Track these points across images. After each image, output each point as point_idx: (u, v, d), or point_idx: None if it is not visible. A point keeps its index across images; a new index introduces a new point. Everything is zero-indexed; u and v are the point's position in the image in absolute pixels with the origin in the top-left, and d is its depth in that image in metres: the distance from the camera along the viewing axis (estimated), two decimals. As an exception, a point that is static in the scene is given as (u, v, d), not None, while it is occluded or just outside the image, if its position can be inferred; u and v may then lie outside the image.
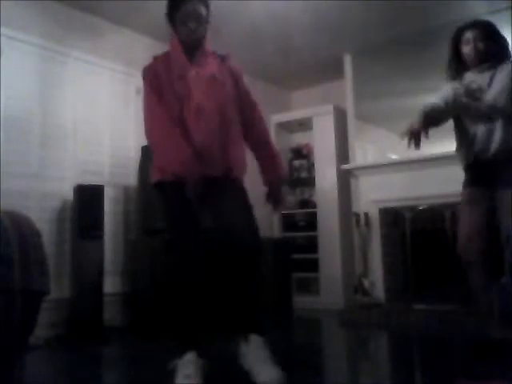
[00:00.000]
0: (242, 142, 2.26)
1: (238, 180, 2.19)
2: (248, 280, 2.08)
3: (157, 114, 2.12)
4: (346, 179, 4.71)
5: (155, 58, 2.23)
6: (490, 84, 2.46)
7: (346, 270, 4.69)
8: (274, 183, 2.30)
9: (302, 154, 5.35)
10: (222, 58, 2.28)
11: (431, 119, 2.47)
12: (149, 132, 2.15)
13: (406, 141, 2.39)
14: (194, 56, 2.19)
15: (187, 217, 2.11)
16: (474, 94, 2.46)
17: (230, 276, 2.14)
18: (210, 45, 2.27)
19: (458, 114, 2.56)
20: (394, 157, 4.88)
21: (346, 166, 4.58)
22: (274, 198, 2.31)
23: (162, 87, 2.13)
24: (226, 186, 2.13)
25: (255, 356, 1.97)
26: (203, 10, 2.19)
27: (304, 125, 5.22)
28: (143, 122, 2.17)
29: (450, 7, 3.82)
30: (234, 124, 2.21)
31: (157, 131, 2.12)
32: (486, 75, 2.50)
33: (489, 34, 2.54)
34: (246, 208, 2.14)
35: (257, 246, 2.11)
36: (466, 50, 2.62)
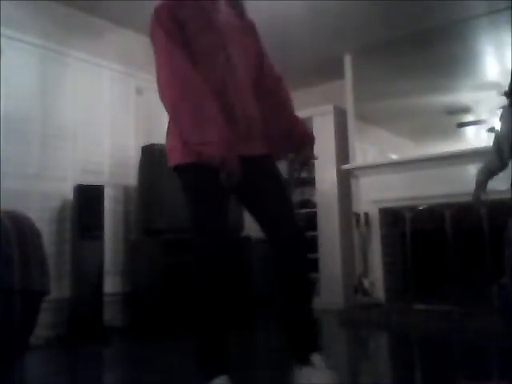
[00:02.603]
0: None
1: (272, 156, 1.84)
2: (303, 285, 1.79)
3: (178, 69, 1.64)
4: (346, 179, 4.71)
5: None
6: None
7: (346, 270, 4.69)
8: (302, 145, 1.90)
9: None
10: (237, 5, 1.86)
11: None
12: (168, 93, 1.72)
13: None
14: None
15: (218, 212, 1.77)
16: None
17: (283, 284, 1.80)
18: None
19: None
20: (393, 157, 4.88)
21: (345, 166, 4.58)
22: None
23: (182, 32, 1.66)
24: (265, 167, 1.79)
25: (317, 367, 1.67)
26: None
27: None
28: (157, 81, 1.76)
29: (450, 7, 3.82)
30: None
31: (181, 95, 1.67)
32: None
33: None
34: (287, 194, 1.83)
35: (303, 239, 1.82)
36: None
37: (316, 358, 1.69)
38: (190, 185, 1.79)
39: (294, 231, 1.76)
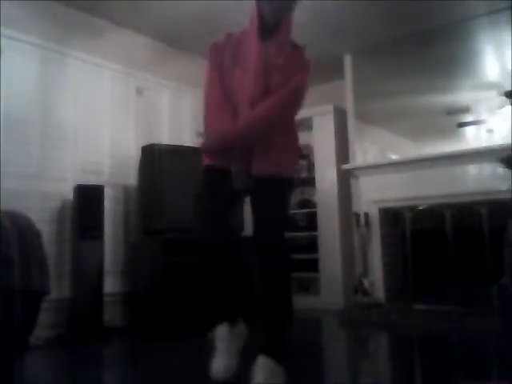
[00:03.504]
0: (291, 134, 2.11)
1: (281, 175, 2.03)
2: (269, 282, 2.02)
3: (212, 92, 2.05)
4: (346, 179, 4.71)
5: (228, 35, 2.13)
6: None
7: (345, 270, 4.69)
8: None
9: (302, 154, 5.35)
10: (295, 46, 2.15)
11: None
12: (204, 112, 2.06)
13: None
14: (268, 37, 2.04)
15: (220, 211, 2.00)
16: None
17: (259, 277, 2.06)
18: (288, 32, 2.14)
19: None
20: (393, 157, 4.88)
21: (345, 166, 4.58)
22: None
23: (223, 67, 2.05)
24: (267, 183, 1.99)
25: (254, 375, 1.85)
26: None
27: (304, 125, 5.21)
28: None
29: (450, 7, 3.81)
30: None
31: (210, 112, 2.04)
32: None
33: None
34: (278, 204, 2.02)
35: (276, 244, 2.01)
36: None
37: (260, 360, 1.87)
38: (203, 184, 2.06)
39: (264, 241, 2.00)
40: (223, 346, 1.97)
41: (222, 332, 2.01)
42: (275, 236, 2.01)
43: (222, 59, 2.07)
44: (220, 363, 1.92)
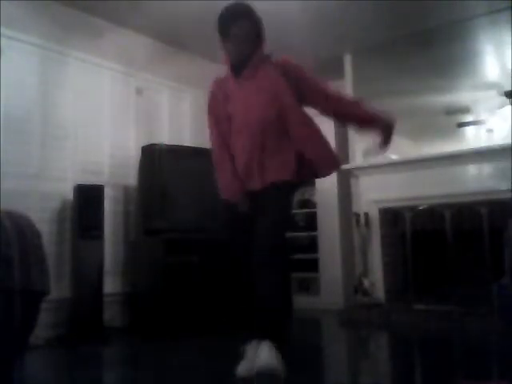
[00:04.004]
0: (285, 147, 2.24)
1: (279, 183, 2.21)
2: (263, 278, 2.13)
3: (213, 137, 2.33)
4: (346, 179, 4.71)
5: (215, 80, 2.36)
6: None
7: (346, 270, 4.69)
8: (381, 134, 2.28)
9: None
10: (264, 60, 2.27)
11: None
12: (212, 153, 2.36)
13: None
14: (243, 71, 2.25)
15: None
16: None
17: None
18: (261, 54, 2.27)
19: None
20: (393, 157, 4.88)
21: (346, 166, 4.58)
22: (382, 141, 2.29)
23: (218, 110, 2.29)
24: (265, 194, 2.21)
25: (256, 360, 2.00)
26: (251, 29, 2.21)
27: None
28: None
29: (450, 7, 3.81)
30: (278, 131, 2.22)
31: (214, 155, 2.34)
32: None
33: None
34: (276, 209, 2.18)
35: (270, 246, 2.12)
36: None
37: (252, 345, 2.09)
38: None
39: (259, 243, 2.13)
40: (251, 354, 2.08)
41: (253, 346, 2.10)
42: (276, 236, 2.17)
43: (217, 104, 2.31)
44: (245, 366, 2.07)
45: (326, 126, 5.18)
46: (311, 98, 2.28)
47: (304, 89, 2.25)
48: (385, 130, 2.26)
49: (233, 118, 2.25)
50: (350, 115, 2.37)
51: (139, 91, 4.19)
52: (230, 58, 2.26)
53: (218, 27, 2.28)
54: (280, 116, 2.20)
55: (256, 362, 1.99)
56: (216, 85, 2.34)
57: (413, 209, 4.17)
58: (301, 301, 4.54)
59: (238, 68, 2.25)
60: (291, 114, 2.23)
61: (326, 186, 4.90)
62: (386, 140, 2.28)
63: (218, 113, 2.30)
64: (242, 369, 2.09)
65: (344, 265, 4.71)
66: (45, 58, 3.59)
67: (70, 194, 3.52)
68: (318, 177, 2.62)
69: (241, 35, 2.18)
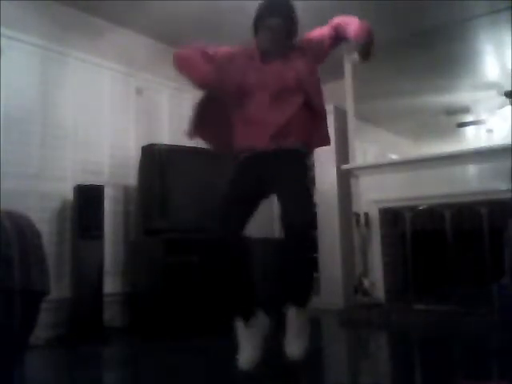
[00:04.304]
0: (302, 117, 2.34)
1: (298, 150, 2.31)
2: (297, 252, 2.16)
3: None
4: (346, 179, 4.71)
5: (245, 48, 2.47)
6: None
7: (346, 270, 4.69)
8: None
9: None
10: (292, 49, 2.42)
11: None
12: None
13: None
14: (272, 60, 2.37)
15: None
16: None
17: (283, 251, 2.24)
18: (290, 46, 2.43)
19: None
20: (393, 157, 4.88)
21: (345, 166, 4.58)
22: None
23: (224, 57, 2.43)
24: (281, 158, 2.24)
25: (288, 327, 2.17)
26: (284, 26, 2.38)
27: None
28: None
29: (450, 7, 3.81)
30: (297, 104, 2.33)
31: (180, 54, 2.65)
32: None
33: None
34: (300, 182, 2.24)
35: (304, 223, 2.14)
36: None
37: (292, 310, 2.17)
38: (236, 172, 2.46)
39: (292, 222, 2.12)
40: (244, 341, 2.18)
41: (240, 329, 2.21)
42: (309, 210, 2.29)
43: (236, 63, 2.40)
44: (244, 356, 2.14)
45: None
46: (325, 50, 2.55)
47: (320, 53, 2.54)
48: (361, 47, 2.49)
49: (250, 88, 2.31)
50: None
51: (139, 91, 4.19)
52: (259, 46, 2.38)
53: (254, 16, 2.39)
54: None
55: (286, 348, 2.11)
56: (243, 49, 2.47)
57: (413, 209, 4.17)
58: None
59: (266, 55, 2.37)
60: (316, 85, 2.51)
61: (326, 186, 4.90)
62: (365, 53, 2.51)
63: (234, 66, 2.38)
64: (243, 360, 2.13)
65: (344, 265, 4.71)
66: (45, 58, 3.59)
67: (70, 194, 3.52)
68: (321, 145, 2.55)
69: (274, 29, 2.32)
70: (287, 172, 2.22)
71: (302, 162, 2.33)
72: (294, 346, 2.12)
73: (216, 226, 2.30)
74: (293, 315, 2.16)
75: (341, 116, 4.93)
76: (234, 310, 2.27)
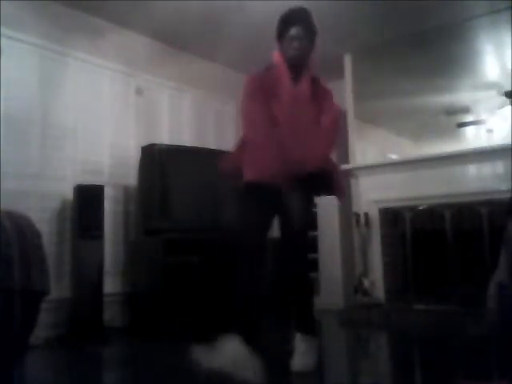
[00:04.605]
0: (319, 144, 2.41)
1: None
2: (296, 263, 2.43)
3: (257, 114, 2.36)
4: (345, 179, 4.70)
5: (257, 74, 2.47)
6: None
7: (346, 270, 4.69)
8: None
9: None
10: (314, 80, 2.49)
11: None
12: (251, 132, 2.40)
13: None
14: (295, 75, 2.41)
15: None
16: None
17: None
18: (312, 67, 2.50)
19: None
20: (393, 157, 4.88)
21: (345, 166, 4.58)
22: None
23: (265, 96, 2.37)
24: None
25: (296, 346, 2.36)
26: (307, 34, 2.42)
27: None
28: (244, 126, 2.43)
29: (450, 7, 3.82)
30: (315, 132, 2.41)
31: (252, 130, 2.38)
32: None
33: None
34: (305, 198, 2.38)
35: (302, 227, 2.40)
36: None
37: (298, 338, 2.37)
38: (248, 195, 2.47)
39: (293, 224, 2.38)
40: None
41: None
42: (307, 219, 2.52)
43: (262, 92, 2.39)
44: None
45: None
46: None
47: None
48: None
49: (279, 115, 2.35)
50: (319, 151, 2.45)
51: (139, 91, 4.19)
52: (285, 57, 2.40)
53: (277, 27, 2.44)
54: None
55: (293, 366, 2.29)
56: (260, 77, 2.44)
57: (413, 209, 4.17)
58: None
59: (293, 69, 2.40)
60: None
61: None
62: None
63: (264, 98, 2.36)
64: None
65: (344, 265, 4.71)
66: (45, 58, 3.59)
67: (69, 194, 3.52)
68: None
69: (298, 37, 2.38)
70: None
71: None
72: (302, 361, 2.30)
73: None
74: (300, 339, 2.37)
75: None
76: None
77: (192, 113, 4.52)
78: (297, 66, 2.41)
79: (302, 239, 2.43)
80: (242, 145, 2.43)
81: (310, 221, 2.53)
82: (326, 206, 4.89)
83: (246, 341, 2.22)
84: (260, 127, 2.35)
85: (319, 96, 2.46)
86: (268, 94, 2.36)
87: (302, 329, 2.41)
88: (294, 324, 2.45)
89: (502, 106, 5.72)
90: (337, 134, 2.56)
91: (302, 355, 2.32)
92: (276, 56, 2.44)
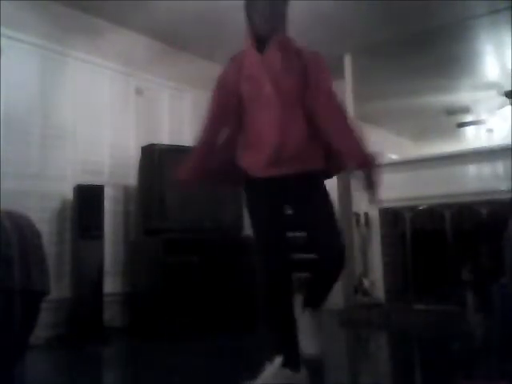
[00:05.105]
0: (314, 132, 2.07)
1: (315, 174, 2.09)
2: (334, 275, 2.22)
3: (212, 106, 2.15)
4: (345, 179, 4.70)
5: (231, 58, 2.23)
6: None
7: (345, 269, 4.68)
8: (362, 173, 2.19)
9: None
10: (286, 45, 2.15)
11: None
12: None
13: None
14: (268, 46, 2.09)
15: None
16: None
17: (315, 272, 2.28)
18: (285, 32, 2.17)
19: None
20: (394, 157, 4.88)
21: (345, 166, 4.57)
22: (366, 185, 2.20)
23: (229, 84, 2.12)
24: (305, 184, 2.07)
25: (303, 326, 2.13)
26: (276, 6, 2.11)
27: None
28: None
29: (450, 7, 3.81)
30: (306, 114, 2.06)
31: (202, 124, 2.18)
32: None
33: None
34: (328, 207, 2.13)
35: (342, 249, 2.20)
36: None
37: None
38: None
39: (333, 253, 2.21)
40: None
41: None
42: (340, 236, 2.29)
43: (228, 80, 2.14)
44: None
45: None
46: (312, 95, 2.05)
47: (311, 82, 2.06)
48: (362, 168, 2.15)
49: (253, 95, 2.06)
50: (329, 125, 2.10)
51: (139, 91, 4.19)
52: (252, 31, 2.14)
53: (244, 2, 2.20)
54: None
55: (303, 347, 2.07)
56: (230, 61, 2.21)
57: (413, 209, 4.17)
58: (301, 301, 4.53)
59: (261, 43, 2.11)
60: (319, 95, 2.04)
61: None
62: (369, 183, 2.19)
63: (228, 87, 2.12)
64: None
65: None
66: (45, 58, 3.59)
67: (69, 194, 3.52)
68: (339, 172, 2.36)
69: (265, 10, 2.09)
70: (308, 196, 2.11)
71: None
72: (313, 345, 2.13)
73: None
74: (309, 316, 2.18)
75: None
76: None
77: (192, 113, 4.52)
78: (265, 37, 2.09)
79: (340, 262, 2.22)
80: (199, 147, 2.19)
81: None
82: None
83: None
84: (203, 130, 2.13)
85: (302, 65, 2.09)
86: (233, 85, 2.09)
87: (315, 303, 2.23)
88: (303, 300, 2.25)
89: (501, 106, 5.72)
90: (340, 111, 2.14)
91: (311, 338, 2.13)
92: (244, 35, 2.19)
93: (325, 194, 2.12)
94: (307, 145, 2.04)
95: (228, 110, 2.13)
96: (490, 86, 5.31)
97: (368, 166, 2.14)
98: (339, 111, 2.14)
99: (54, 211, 3.51)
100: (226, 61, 2.31)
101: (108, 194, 3.64)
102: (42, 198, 3.44)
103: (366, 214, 4.33)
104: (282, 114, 2.01)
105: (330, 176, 2.24)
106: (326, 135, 2.09)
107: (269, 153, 2.00)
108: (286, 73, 2.06)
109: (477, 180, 3.81)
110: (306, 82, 2.06)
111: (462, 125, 6.23)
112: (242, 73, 2.11)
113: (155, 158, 3.74)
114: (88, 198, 3.41)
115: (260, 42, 2.11)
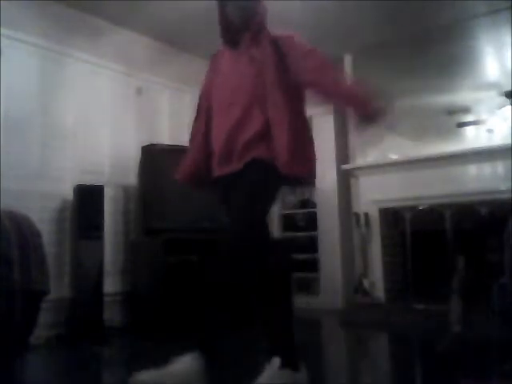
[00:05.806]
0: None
1: (253, 164, 1.92)
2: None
3: (197, 113, 2.26)
4: (345, 179, 4.71)
5: (210, 57, 2.30)
6: None
7: (346, 270, 4.69)
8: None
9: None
10: (263, 31, 2.08)
11: None
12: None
13: None
14: (241, 41, 2.07)
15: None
16: None
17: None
18: (261, 23, 2.11)
19: None
20: (394, 157, 4.88)
21: (345, 166, 4.58)
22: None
23: (206, 87, 2.18)
24: (240, 178, 1.94)
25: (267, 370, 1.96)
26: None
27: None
28: None
29: (450, 7, 3.81)
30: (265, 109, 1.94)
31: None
32: None
33: None
34: (246, 197, 1.92)
35: (242, 239, 1.96)
36: None
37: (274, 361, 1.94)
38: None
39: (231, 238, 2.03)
40: None
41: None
42: (242, 220, 2.04)
43: (206, 82, 2.19)
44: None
45: (326, 126, 5.16)
46: (294, 69, 1.98)
47: (289, 62, 1.99)
48: (360, 108, 2.11)
49: (217, 93, 2.05)
50: (329, 90, 2.09)
51: (139, 91, 4.19)
52: (225, 24, 2.14)
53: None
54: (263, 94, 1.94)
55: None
56: (210, 59, 2.25)
57: (413, 209, 4.17)
58: (301, 301, 4.54)
59: (235, 38, 2.07)
60: (271, 93, 1.94)
61: (326, 186, 4.90)
62: (366, 119, 2.14)
63: (206, 90, 2.16)
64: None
65: (344, 265, 4.71)
66: (45, 58, 3.58)
67: (70, 194, 3.52)
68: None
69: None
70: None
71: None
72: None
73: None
74: (275, 365, 1.95)
75: (341, 116, 4.93)
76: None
77: (192, 113, 4.51)
78: (237, 31, 2.06)
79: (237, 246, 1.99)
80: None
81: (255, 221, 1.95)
82: (326, 205, 4.89)
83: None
84: (192, 132, 2.26)
85: (279, 54, 2.00)
86: (208, 85, 2.14)
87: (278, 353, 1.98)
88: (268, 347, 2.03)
89: (501, 106, 5.73)
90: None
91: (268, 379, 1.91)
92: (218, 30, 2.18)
93: (251, 181, 1.91)
94: (257, 140, 1.93)
95: (210, 112, 2.13)
96: (490, 86, 5.31)
97: (368, 108, 2.11)
98: (329, 66, 2.10)
99: (53, 211, 3.51)
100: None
101: (108, 193, 3.65)
102: (42, 198, 3.44)
103: (366, 214, 4.33)
104: (230, 116, 1.97)
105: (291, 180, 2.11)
106: (324, 92, 2.13)
107: (217, 153, 2.03)
108: (254, 69, 1.98)
109: (477, 180, 3.82)
110: (287, 66, 1.99)
111: (462, 125, 6.23)
112: (215, 72, 2.13)
113: (155, 158, 3.74)
114: (88, 198, 3.41)
115: (234, 36, 2.10)
